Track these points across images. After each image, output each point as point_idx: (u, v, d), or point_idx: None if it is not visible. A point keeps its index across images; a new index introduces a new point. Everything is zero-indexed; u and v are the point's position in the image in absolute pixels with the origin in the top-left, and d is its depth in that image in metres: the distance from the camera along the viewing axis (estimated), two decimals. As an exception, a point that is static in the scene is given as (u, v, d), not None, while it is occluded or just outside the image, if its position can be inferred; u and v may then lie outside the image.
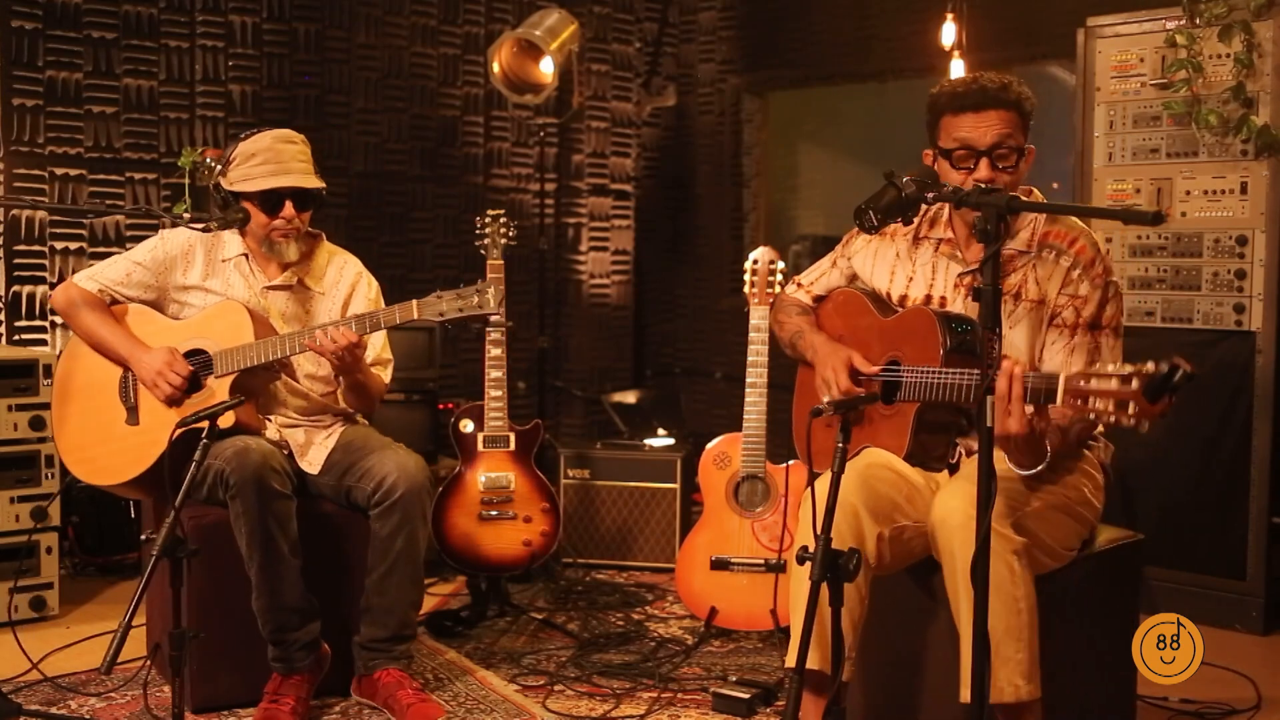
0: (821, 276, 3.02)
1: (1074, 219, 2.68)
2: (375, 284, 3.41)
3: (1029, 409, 2.30)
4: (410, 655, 3.23)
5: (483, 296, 2.98)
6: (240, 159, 3.17)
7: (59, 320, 4.54)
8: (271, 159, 3.15)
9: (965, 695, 2.36)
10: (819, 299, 3.01)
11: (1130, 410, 2.08)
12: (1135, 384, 2.07)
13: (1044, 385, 2.26)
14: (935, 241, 2.78)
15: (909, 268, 2.80)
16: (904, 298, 2.79)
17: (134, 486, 3.19)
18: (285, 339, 3.10)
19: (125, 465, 3.13)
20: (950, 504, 2.44)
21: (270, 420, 3.24)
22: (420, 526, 3.12)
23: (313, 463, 3.21)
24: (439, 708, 3.07)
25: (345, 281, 3.36)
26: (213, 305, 3.21)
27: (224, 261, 3.26)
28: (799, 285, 3.06)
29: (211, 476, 2.98)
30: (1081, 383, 2.16)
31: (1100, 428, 2.67)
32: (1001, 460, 2.48)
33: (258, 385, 3.19)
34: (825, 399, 2.79)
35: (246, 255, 3.26)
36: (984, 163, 2.60)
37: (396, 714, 3.05)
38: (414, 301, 3.03)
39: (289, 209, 3.17)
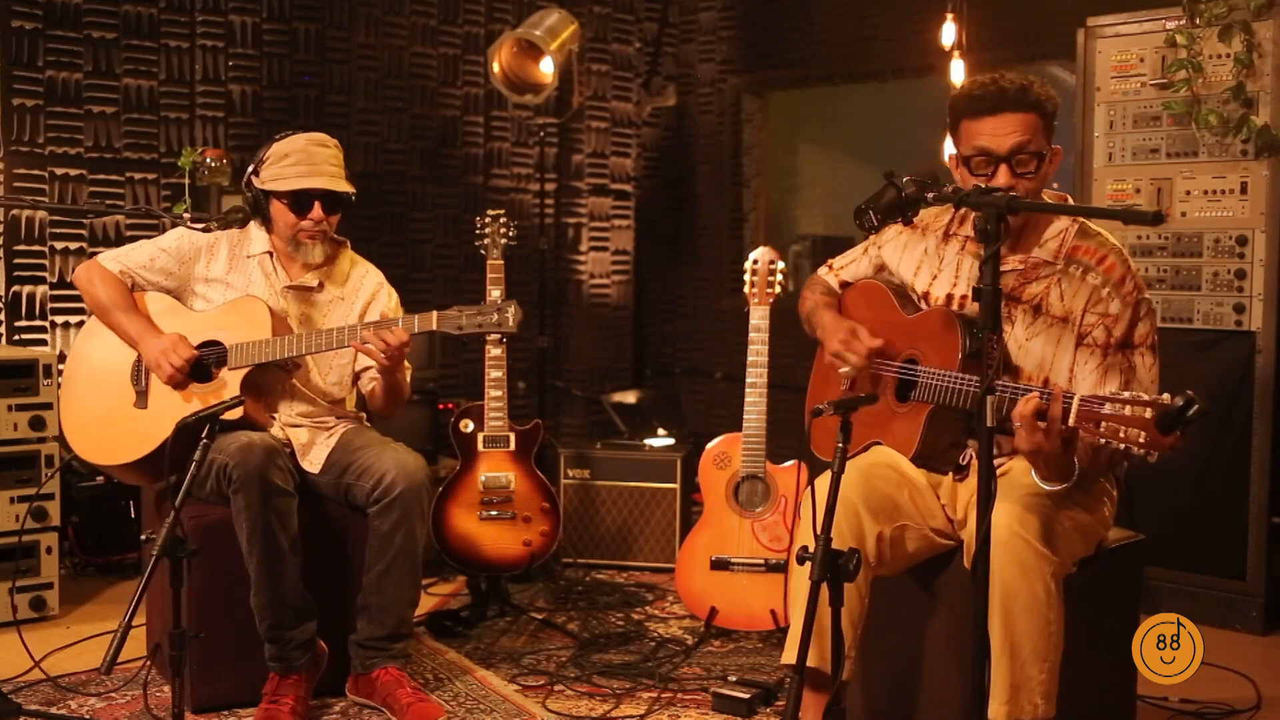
0: (852, 263, 3.00)
1: (1105, 235, 2.64)
2: (395, 296, 3.43)
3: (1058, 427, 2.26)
4: (408, 654, 3.23)
5: (502, 315, 3.00)
6: (273, 159, 3.20)
7: (59, 320, 4.55)
8: (304, 160, 3.19)
9: (994, 712, 2.36)
10: (845, 284, 3.00)
11: (1141, 439, 2.07)
12: (1149, 413, 2.06)
13: (1059, 406, 2.24)
14: (963, 239, 2.76)
15: (935, 264, 2.78)
16: (927, 294, 2.77)
17: (135, 470, 3.20)
18: (304, 337, 3.12)
19: (127, 447, 3.15)
20: (995, 517, 2.35)
21: (274, 418, 3.24)
22: (419, 524, 3.13)
23: (314, 462, 3.22)
24: (438, 707, 3.07)
25: (366, 290, 3.38)
26: (233, 299, 3.22)
27: (248, 257, 3.28)
28: (830, 268, 3.05)
29: (214, 470, 2.99)
30: (1095, 406, 2.14)
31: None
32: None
33: (269, 382, 3.20)
34: (842, 370, 2.78)
35: (271, 253, 3.28)
36: (1003, 169, 2.52)
37: (396, 713, 3.05)
38: (434, 313, 3.05)
39: (318, 210, 3.21)
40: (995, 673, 2.37)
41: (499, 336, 3.94)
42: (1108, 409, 2.13)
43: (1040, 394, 2.29)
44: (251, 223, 3.29)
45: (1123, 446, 2.11)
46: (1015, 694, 2.39)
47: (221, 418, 2.65)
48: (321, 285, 3.32)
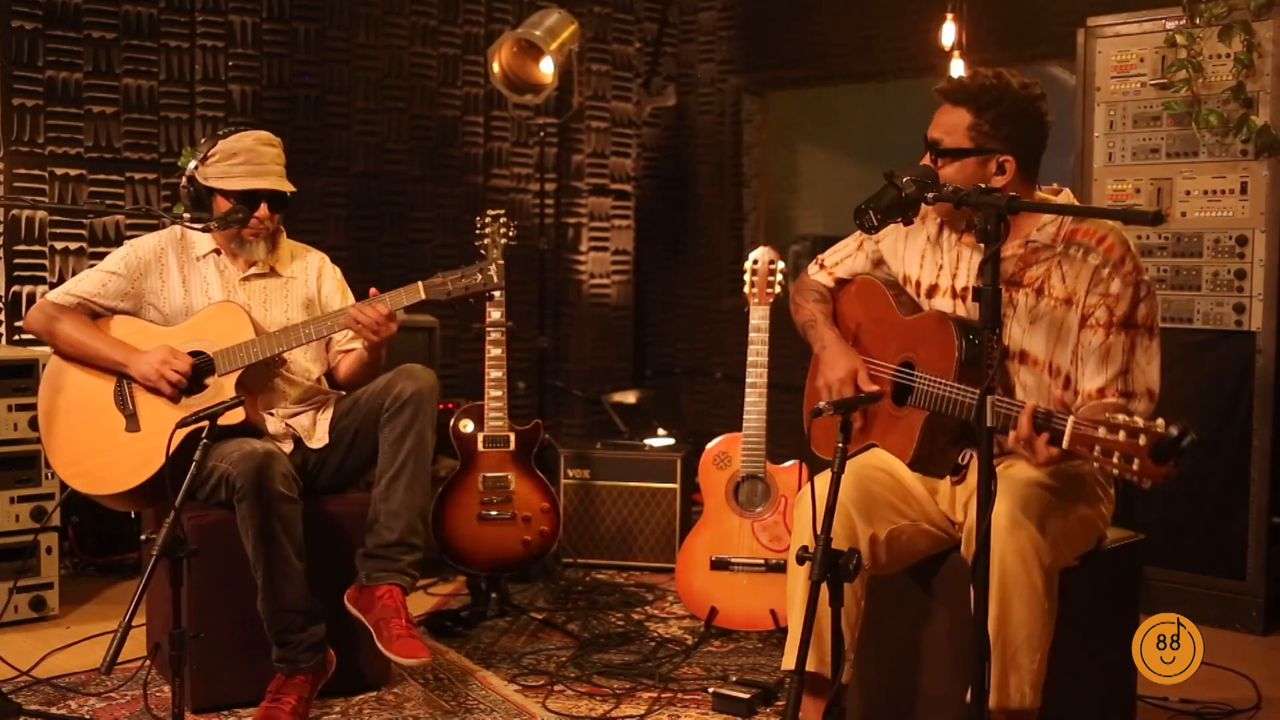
0: (846, 259, 2.98)
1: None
2: (338, 270, 3.49)
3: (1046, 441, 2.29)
4: (414, 574, 3.15)
5: (485, 273, 3.05)
6: (220, 156, 3.21)
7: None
8: (252, 160, 3.21)
9: (994, 699, 2.37)
10: (841, 281, 2.99)
11: (1135, 466, 2.06)
12: (1143, 441, 2.04)
13: (1051, 425, 2.25)
14: (960, 230, 2.75)
15: (938, 255, 2.77)
16: (934, 287, 2.76)
17: (139, 495, 3.16)
18: (291, 331, 3.13)
19: (129, 473, 3.11)
20: (999, 506, 2.38)
21: (273, 414, 3.24)
22: (429, 430, 3.17)
23: (321, 437, 3.24)
24: (425, 650, 2.99)
25: (312, 268, 3.43)
26: (206, 308, 3.22)
27: (198, 260, 3.30)
28: (821, 265, 3.03)
29: (216, 479, 2.99)
30: (1089, 430, 2.13)
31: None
32: (1042, 470, 2.50)
33: (258, 382, 3.20)
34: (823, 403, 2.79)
35: (219, 251, 3.31)
36: (928, 154, 2.65)
37: (382, 641, 3.00)
38: (419, 283, 3.09)
39: (264, 210, 3.24)
40: (992, 658, 2.38)
41: (499, 335, 3.94)
42: (1102, 433, 2.11)
43: (1035, 414, 2.28)
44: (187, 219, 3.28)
45: (1115, 473, 2.11)
46: (1004, 681, 2.40)
47: (222, 424, 2.64)
48: (272, 269, 3.36)
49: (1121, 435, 2.07)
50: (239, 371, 3.11)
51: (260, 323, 3.24)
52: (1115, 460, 2.08)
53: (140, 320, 3.25)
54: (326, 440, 3.24)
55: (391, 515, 3.12)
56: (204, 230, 3.24)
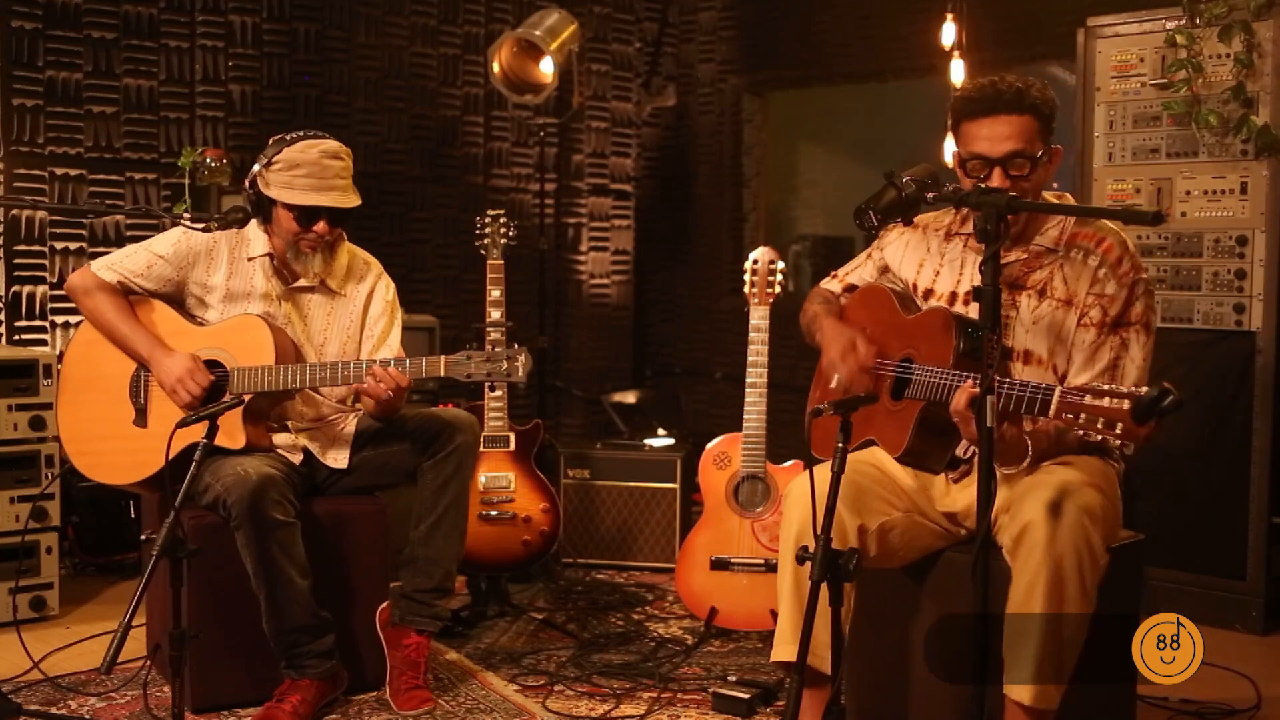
0: (857, 269, 3.00)
1: (1103, 220, 2.66)
2: (392, 285, 3.42)
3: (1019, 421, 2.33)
4: (445, 616, 3.30)
5: (512, 364, 2.99)
6: (283, 166, 3.11)
7: (59, 320, 4.54)
8: (315, 173, 3.11)
9: (1019, 694, 2.40)
10: (851, 288, 3.00)
11: (1117, 429, 2.13)
12: (1125, 404, 2.11)
13: (1039, 397, 2.28)
14: (965, 237, 2.74)
15: (938, 261, 2.78)
16: (930, 291, 2.77)
17: (135, 487, 3.20)
18: (307, 369, 3.09)
19: (128, 468, 3.13)
20: (1060, 502, 2.41)
21: (288, 425, 3.23)
22: (469, 479, 3.24)
23: (339, 458, 3.23)
24: (431, 699, 3.10)
25: (365, 284, 3.36)
26: (235, 317, 3.19)
27: (249, 260, 3.24)
28: (834, 276, 3.05)
29: (212, 499, 2.98)
30: (1073, 398, 2.19)
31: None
32: (1093, 475, 2.54)
33: (269, 405, 3.18)
34: (834, 382, 2.79)
35: (271, 255, 3.24)
36: (997, 173, 2.55)
37: (392, 689, 3.13)
38: (442, 358, 3.04)
39: (323, 225, 3.17)
40: (1025, 653, 2.39)
41: (499, 336, 3.94)
42: (1087, 400, 2.17)
43: (1016, 386, 2.33)
44: (252, 221, 3.23)
45: (1099, 438, 2.17)
46: (1042, 677, 2.40)
47: (220, 445, 2.65)
48: (322, 282, 3.29)
49: (1105, 401, 2.15)
50: (250, 396, 3.07)
51: (297, 338, 3.21)
52: (1099, 425, 2.15)
53: (170, 310, 3.22)
54: (345, 465, 3.23)
55: (430, 562, 3.19)
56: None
